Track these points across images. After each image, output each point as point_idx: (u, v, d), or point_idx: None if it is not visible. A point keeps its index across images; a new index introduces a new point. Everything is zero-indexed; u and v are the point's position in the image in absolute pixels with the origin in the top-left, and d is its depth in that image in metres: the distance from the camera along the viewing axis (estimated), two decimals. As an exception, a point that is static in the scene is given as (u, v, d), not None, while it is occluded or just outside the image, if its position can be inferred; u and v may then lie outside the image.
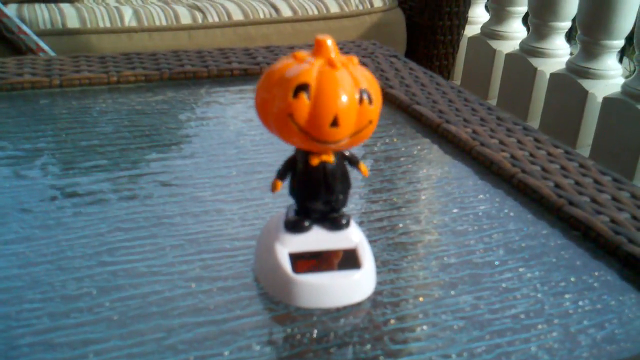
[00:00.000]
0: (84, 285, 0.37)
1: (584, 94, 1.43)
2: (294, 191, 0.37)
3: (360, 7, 1.39)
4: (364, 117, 0.33)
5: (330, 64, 0.33)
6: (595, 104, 1.43)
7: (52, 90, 0.66)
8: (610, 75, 1.44)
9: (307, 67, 0.33)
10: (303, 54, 0.33)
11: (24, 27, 1.12)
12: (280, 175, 0.36)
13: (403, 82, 0.72)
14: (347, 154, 0.37)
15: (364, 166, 0.37)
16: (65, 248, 0.40)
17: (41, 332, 0.33)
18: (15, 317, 0.34)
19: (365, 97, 0.33)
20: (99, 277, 0.37)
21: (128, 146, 0.55)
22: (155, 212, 0.45)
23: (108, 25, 1.19)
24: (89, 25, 1.18)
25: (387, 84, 0.70)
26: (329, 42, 0.33)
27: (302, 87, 0.32)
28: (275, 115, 0.33)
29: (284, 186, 0.37)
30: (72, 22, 1.18)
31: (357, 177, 0.43)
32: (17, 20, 1.12)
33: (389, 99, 0.67)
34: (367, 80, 0.33)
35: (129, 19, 1.21)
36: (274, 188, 0.36)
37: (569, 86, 1.47)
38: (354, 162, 0.37)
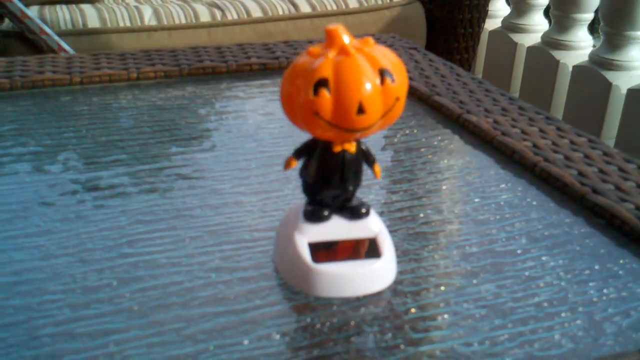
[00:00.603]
0: (105, 276, 0.37)
1: (607, 86, 1.41)
2: (306, 173, 0.36)
3: (380, 2, 1.38)
4: (390, 96, 0.32)
5: (344, 52, 0.32)
6: (619, 95, 1.41)
7: (72, 88, 0.67)
8: (635, 67, 1.42)
9: (322, 61, 0.32)
10: (317, 48, 0.33)
11: (46, 28, 1.13)
12: (297, 154, 0.36)
13: (423, 73, 0.71)
14: (365, 149, 0.36)
15: (379, 168, 0.37)
16: (86, 240, 0.40)
17: (62, 323, 0.33)
18: (36, 309, 0.34)
19: (386, 76, 0.32)
20: (119, 269, 0.38)
21: (148, 141, 0.55)
22: (175, 204, 0.45)
23: (128, 24, 1.20)
24: (109, 25, 1.19)
25: (407, 76, 0.70)
26: (340, 30, 0.33)
27: (321, 83, 0.31)
28: (301, 114, 0.33)
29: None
30: (93, 22, 1.19)
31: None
32: (38, 21, 1.13)
33: (409, 91, 0.66)
34: (387, 58, 0.33)
35: (148, 18, 1.22)
36: (287, 165, 0.36)
37: (592, 78, 1.45)
38: (370, 161, 0.37)
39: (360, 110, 0.32)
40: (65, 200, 0.45)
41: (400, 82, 0.33)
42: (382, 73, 0.32)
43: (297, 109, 0.33)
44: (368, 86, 0.32)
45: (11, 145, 0.53)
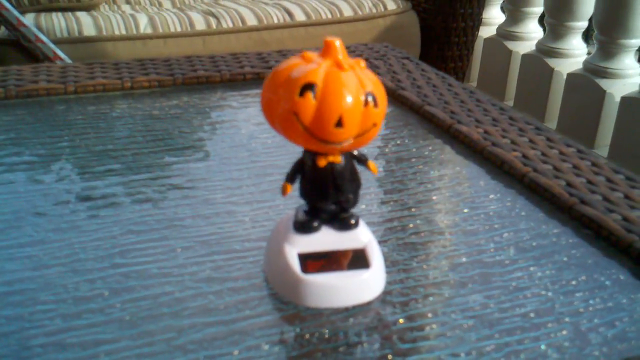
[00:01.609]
0: (96, 286, 0.37)
1: (601, 94, 1.42)
2: (304, 193, 0.37)
3: (374, 10, 1.39)
4: (369, 119, 0.33)
5: (338, 65, 0.33)
6: (613, 103, 1.42)
7: (67, 97, 0.67)
8: (629, 75, 1.43)
9: (314, 67, 0.33)
10: (311, 54, 0.34)
11: (41, 36, 1.13)
12: (290, 178, 0.36)
13: (415, 83, 0.72)
14: (355, 153, 0.37)
15: (373, 164, 0.37)
16: (79, 250, 0.41)
17: (53, 333, 0.33)
18: (28, 319, 0.34)
19: (370, 99, 0.33)
20: (111, 279, 0.38)
21: (141, 150, 0.55)
22: (167, 214, 0.45)
23: (124, 32, 1.21)
24: (104, 33, 1.20)
25: (399, 85, 0.70)
26: (338, 43, 0.33)
27: (309, 87, 0.32)
28: (280, 113, 0.33)
29: (294, 188, 0.37)
30: (89, 30, 1.19)
31: (369, 178, 0.43)
32: (34, 29, 1.14)
33: (400, 101, 0.67)
34: (373, 83, 0.34)
35: (144, 26, 1.23)
36: (284, 192, 0.36)
37: (587, 86, 1.46)
38: (362, 160, 0.37)
39: (339, 123, 0.32)
40: (59, 210, 0.45)
41: (380, 109, 0.33)
42: (367, 95, 0.33)
43: (277, 106, 0.33)
44: (352, 102, 0.32)
45: (5, 154, 0.54)
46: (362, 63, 0.34)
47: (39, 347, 0.32)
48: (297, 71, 0.33)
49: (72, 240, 0.42)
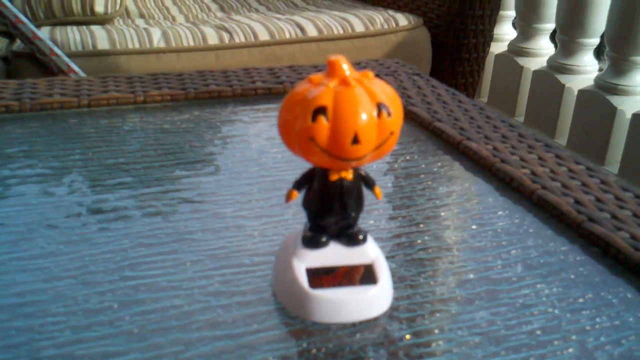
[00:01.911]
0: (106, 299, 0.38)
1: (612, 111, 1.42)
2: (307, 203, 0.37)
3: (386, 26, 1.40)
4: (385, 130, 0.33)
5: (345, 82, 0.33)
6: (624, 120, 1.42)
7: (80, 110, 0.68)
8: (640, 92, 1.43)
9: (322, 90, 0.33)
10: (318, 76, 0.34)
11: (56, 49, 1.15)
12: (297, 186, 0.37)
13: (425, 99, 0.72)
14: (364, 174, 0.37)
15: (379, 190, 0.38)
16: (89, 263, 0.41)
17: (63, 345, 0.34)
18: (38, 330, 0.35)
19: (383, 110, 0.33)
20: (121, 292, 0.38)
21: (152, 164, 0.56)
22: (177, 228, 0.46)
23: (137, 46, 1.22)
24: (118, 47, 1.21)
25: (409, 101, 0.71)
26: (341, 61, 0.34)
27: (320, 110, 0.32)
28: (297, 139, 0.34)
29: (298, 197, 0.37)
30: (103, 44, 1.21)
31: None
32: (49, 43, 1.15)
33: (410, 117, 0.67)
34: (384, 93, 0.34)
35: (157, 40, 1.24)
36: (288, 198, 0.37)
37: (598, 103, 1.46)
38: (370, 184, 0.38)
39: (355, 140, 0.32)
40: (70, 223, 0.46)
41: (395, 117, 0.33)
42: (380, 107, 0.33)
43: (293, 133, 0.34)
44: (365, 118, 0.32)
45: (19, 167, 0.55)
46: (371, 74, 0.34)
47: (49, 359, 0.33)
48: (307, 96, 0.33)
49: (83, 253, 0.42)
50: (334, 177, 0.36)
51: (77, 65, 1.15)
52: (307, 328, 0.36)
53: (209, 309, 0.37)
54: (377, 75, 0.77)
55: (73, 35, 1.21)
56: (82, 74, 1.15)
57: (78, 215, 0.47)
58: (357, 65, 0.81)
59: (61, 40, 1.19)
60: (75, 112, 0.67)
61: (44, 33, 1.19)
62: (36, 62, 1.16)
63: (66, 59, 1.15)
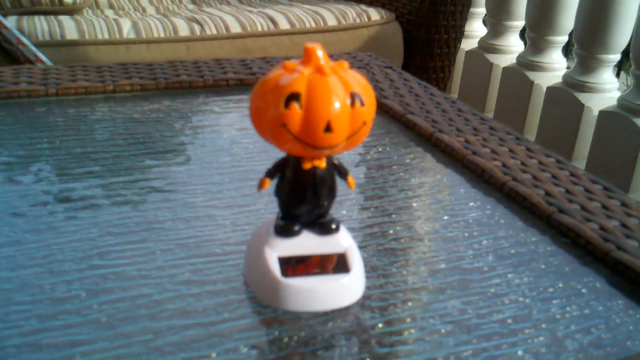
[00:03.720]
0: (73, 288, 0.37)
1: (580, 108, 1.44)
2: (280, 192, 0.37)
3: (358, 20, 1.40)
4: (358, 119, 0.33)
5: (320, 71, 0.33)
6: (591, 117, 1.44)
7: (48, 99, 0.67)
8: (607, 89, 1.45)
9: (297, 76, 0.33)
10: (293, 63, 0.34)
11: (23, 38, 1.12)
12: (270, 174, 0.36)
13: (397, 92, 0.72)
14: (337, 163, 0.37)
15: (352, 179, 0.38)
16: (56, 252, 0.40)
17: (29, 334, 0.33)
18: (3, 319, 0.34)
19: (356, 99, 0.33)
20: (89, 280, 0.38)
21: (122, 153, 0.55)
22: (146, 217, 0.45)
23: (107, 37, 1.20)
24: (87, 37, 1.19)
25: (382, 94, 0.71)
26: (318, 49, 0.33)
27: (293, 97, 0.32)
28: (269, 125, 0.33)
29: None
30: (71, 34, 1.19)
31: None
32: (16, 32, 1.13)
33: (383, 109, 0.67)
34: (358, 83, 0.34)
35: (127, 31, 1.22)
36: (261, 186, 0.36)
37: (566, 99, 1.47)
38: (343, 173, 0.37)
39: (328, 128, 0.32)
40: (37, 211, 0.45)
41: (368, 108, 0.33)
42: (353, 96, 0.33)
43: (266, 120, 0.33)
44: (338, 106, 0.32)
45: (-17, 155, 0.53)
46: (346, 65, 0.34)
47: (14, 348, 0.32)
48: (280, 82, 0.33)
49: (50, 242, 0.41)
50: (307, 165, 0.35)
51: (45, 56, 1.13)
52: (279, 317, 0.35)
53: (179, 298, 0.37)
54: (350, 68, 0.77)
55: (41, 25, 1.19)
56: (50, 64, 1.13)
57: (45, 203, 0.46)
58: (330, 57, 0.81)
59: (28, 29, 1.17)
60: (42, 101, 0.66)
61: (10, 22, 1.16)
62: (2, 52, 1.13)
63: (33, 48, 1.12)
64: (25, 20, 1.20)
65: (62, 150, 0.55)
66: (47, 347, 0.32)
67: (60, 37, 1.18)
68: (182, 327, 0.34)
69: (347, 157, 0.56)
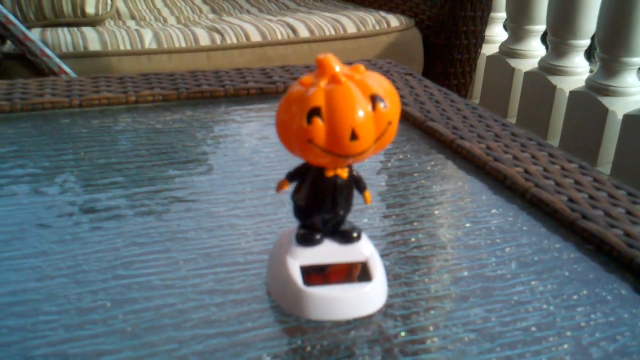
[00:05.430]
0: (99, 298, 0.37)
1: (604, 112, 1.43)
2: (297, 196, 0.37)
3: (377, 27, 1.40)
4: (382, 120, 0.33)
5: (335, 80, 0.33)
6: (615, 121, 1.42)
7: (72, 110, 0.67)
8: (631, 93, 1.44)
9: (314, 90, 0.33)
10: (309, 77, 0.34)
11: (47, 50, 1.14)
12: (290, 177, 0.37)
13: (418, 99, 0.72)
14: (357, 175, 0.37)
15: (369, 194, 0.38)
16: (81, 262, 0.41)
17: (56, 344, 0.34)
18: (30, 329, 0.35)
19: (378, 101, 0.33)
20: (114, 290, 0.38)
21: (145, 164, 0.56)
22: (170, 227, 0.46)
23: (129, 47, 1.22)
24: (110, 48, 1.21)
25: (402, 101, 0.71)
26: (330, 59, 0.33)
27: (314, 112, 0.32)
28: (296, 142, 0.33)
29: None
30: (94, 45, 1.20)
31: (372, 191, 0.43)
32: (40, 44, 1.14)
33: (403, 116, 0.67)
34: (378, 83, 0.33)
35: (149, 42, 1.24)
36: (279, 187, 0.36)
37: (589, 104, 1.46)
38: (361, 187, 0.37)
39: (354, 136, 0.32)
40: (62, 222, 0.46)
41: (392, 107, 0.33)
42: (374, 99, 0.33)
43: (291, 136, 0.33)
44: (360, 113, 0.32)
45: (10, 167, 0.54)
46: (361, 68, 0.34)
47: (42, 357, 0.33)
48: (300, 99, 0.33)
49: (75, 252, 0.42)
50: (329, 173, 0.35)
51: (68, 67, 1.15)
52: (302, 326, 0.36)
53: (202, 307, 0.37)
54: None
55: (64, 37, 1.21)
56: (73, 75, 1.14)
57: (70, 214, 0.47)
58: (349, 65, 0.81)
59: (52, 41, 1.19)
60: (66, 112, 0.67)
61: (34, 34, 1.18)
62: (27, 64, 1.15)
63: (57, 59, 1.14)
64: (49, 32, 1.22)
65: (86, 161, 0.56)
66: (73, 357, 0.33)
67: (83, 49, 1.20)
68: (206, 336, 0.35)
69: (368, 165, 0.56)
